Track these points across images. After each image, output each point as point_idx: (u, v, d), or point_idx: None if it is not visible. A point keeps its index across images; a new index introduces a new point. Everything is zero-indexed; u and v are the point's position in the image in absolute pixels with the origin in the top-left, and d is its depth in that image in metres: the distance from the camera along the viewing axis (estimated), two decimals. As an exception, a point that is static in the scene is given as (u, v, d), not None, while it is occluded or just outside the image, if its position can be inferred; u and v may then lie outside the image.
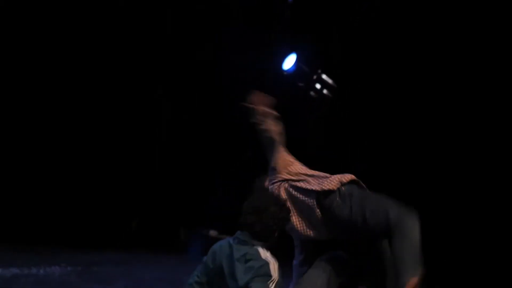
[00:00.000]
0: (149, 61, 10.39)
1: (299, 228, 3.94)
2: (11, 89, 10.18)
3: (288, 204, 3.88)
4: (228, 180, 9.71)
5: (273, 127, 4.18)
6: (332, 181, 3.91)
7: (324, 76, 6.07)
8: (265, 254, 3.50)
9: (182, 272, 4.04)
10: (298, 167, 4.14)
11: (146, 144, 10.92)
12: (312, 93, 5.84)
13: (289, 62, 6.07)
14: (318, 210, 3.86)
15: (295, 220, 3.94)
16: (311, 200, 3.88)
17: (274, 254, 3.58)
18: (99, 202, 10.56)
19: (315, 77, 5.86)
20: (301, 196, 3.93)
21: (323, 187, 3.87)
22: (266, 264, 3.43)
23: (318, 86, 5.83)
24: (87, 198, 10.53)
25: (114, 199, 10.64)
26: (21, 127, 10.38)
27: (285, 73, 6.08)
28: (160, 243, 10.12)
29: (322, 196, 3.88)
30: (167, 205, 10.73)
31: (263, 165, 4.21)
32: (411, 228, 3.63)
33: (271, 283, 3.40)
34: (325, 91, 5.82)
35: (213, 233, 9.32)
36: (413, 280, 3.51)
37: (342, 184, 3.90)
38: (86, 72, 10.31)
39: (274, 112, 4.25)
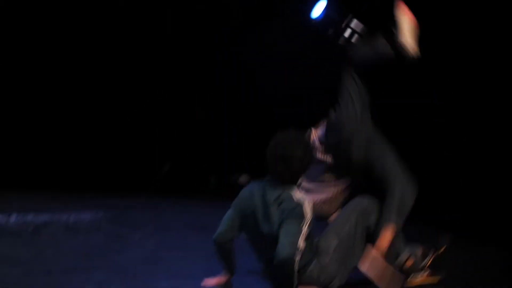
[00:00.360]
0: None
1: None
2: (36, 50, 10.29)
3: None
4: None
5: None
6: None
7: (354, 23, 5.86)
8: (298, 195, 3.53)
9: (212, 218, 4.07)
10: None
11: (176, 90, 10.93)
12: (341, 40, 5.67)
13: (319, 9, 5.87)
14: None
15: None
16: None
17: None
18: (130, 146, 10.68)
19: (345, 23, 5.67)
20: None
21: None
22: (299, 205, 3.46)
23: (347, 33, 5.65)
24: (119, 142, 10.66)
25: (146, 144, 10.75)
26: (55, 68, 10.49)
27: (314, 21, 5.91)
28: (190, 189, 10.24)
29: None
30: (199, 150, 10.80)
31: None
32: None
33: (304, 224, 3.42)
34: (354, 39, 5.64)
35: (243, 179, 9.34)
36: None
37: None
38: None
39: None
